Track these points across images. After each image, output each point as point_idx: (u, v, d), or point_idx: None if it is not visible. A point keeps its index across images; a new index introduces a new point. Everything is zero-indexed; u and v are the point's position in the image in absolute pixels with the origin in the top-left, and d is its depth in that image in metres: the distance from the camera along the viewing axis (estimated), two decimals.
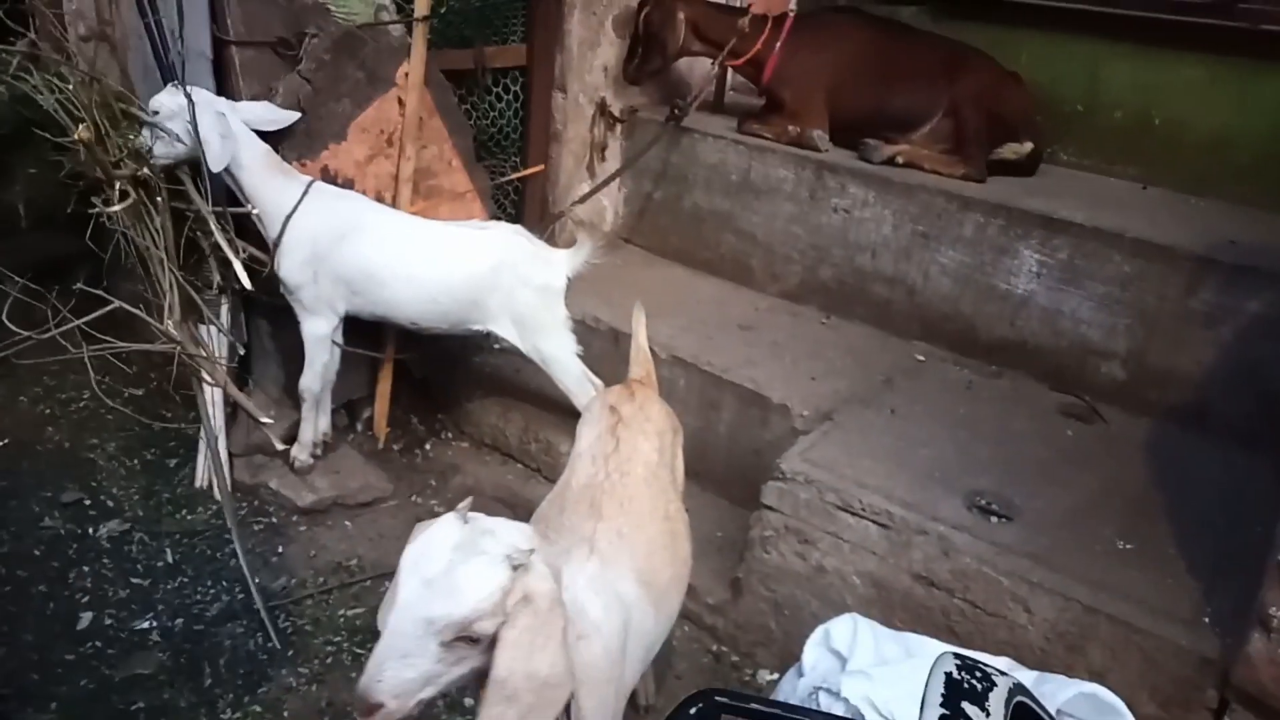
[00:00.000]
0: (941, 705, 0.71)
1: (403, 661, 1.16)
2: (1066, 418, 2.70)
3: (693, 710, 0.87)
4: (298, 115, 2.60)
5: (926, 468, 2.38)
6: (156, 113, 2.42)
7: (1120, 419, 2.69)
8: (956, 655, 0.77)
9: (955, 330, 3.03)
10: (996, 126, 3.18)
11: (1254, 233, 2.77)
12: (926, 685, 0.74)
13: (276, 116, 2.55)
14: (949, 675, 0.74)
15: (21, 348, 2.34)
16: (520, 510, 2.88)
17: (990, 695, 0.73)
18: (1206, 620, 1.93)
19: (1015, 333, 2.92)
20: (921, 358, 3.03)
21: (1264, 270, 2.53)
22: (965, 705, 0.71)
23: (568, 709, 1.29)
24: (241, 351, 2.79)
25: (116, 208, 2.46)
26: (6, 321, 2.33)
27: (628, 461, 1.75)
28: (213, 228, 2.49)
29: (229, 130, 2.42)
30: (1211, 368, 2.60)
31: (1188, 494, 2.34)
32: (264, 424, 2.66)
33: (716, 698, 0.89)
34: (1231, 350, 2.56)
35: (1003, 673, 0.78)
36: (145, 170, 2.49)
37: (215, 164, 2.41)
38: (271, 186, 2.52)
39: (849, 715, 1.71)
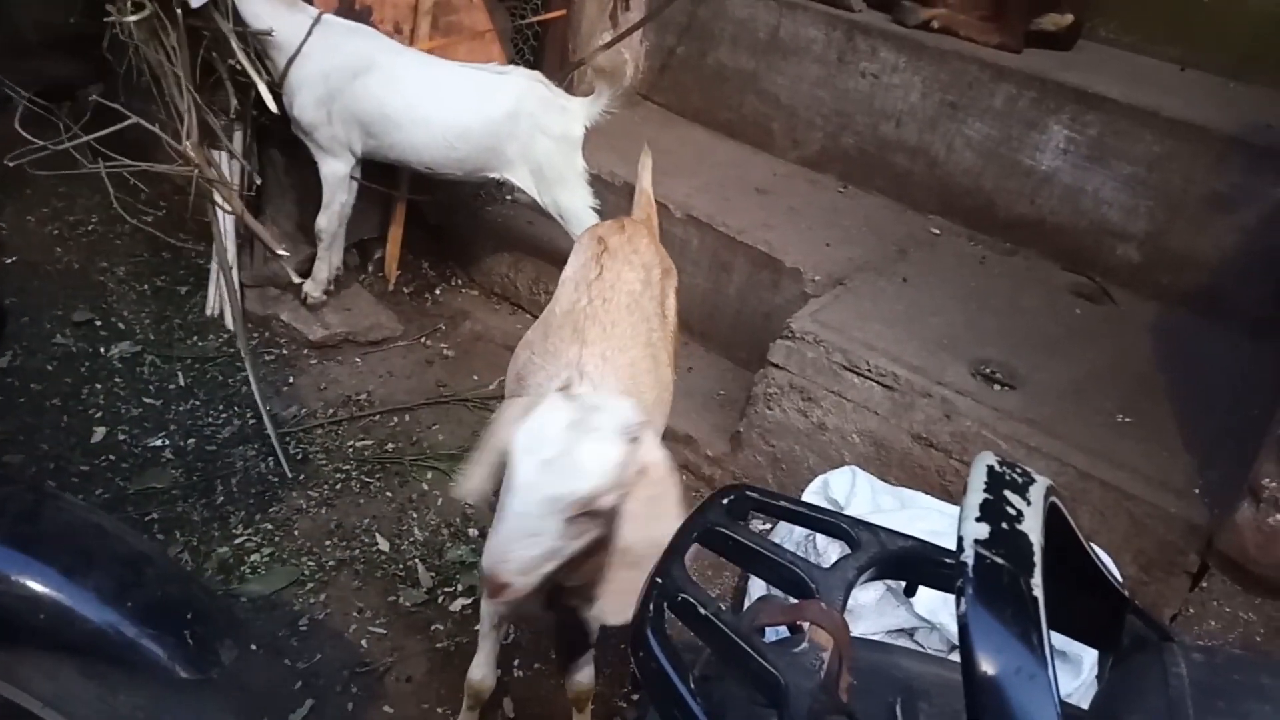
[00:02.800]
0: (985, 490, 0.72)
1: (528, 540, 1.18)
2: (1077, 297, 2.71)
3: (725, 500, 0.90)
4: None
5: (935, 335, 2.40)
6: None
7: (1131, 301, 2.70)
8: (996, 455, 0.79)
9: (974, 205, 3.00)
10: None
11: None
12: (970, 475, 0.75)
13: None
14: (991, 468, 0.75)
15: (35, 158, 2.29)
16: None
17: (1030, 488, 0.75)
18: (1197, 491, 1.99)
19: (1034, 210, 2.89)
20: (937, 231, 3.01)
21: None
22: (1007, 493, 0.72)
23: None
24: (258, 181, 2.74)
25: (132, 18, 2.36)
26: (19, 129, 2.28)
27: (610, 288, 1.76)
28: (234, 47, 2.40)
29: None
30: (1230, 254, 2.58)
31: (1191, 375, 2.37)
32: (279, 256, 2.64)
33: (747, 492, 0.91)
34: (1253, 237, 2.54)
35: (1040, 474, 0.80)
36: None
37: None
38: (276, 18, 2.42)
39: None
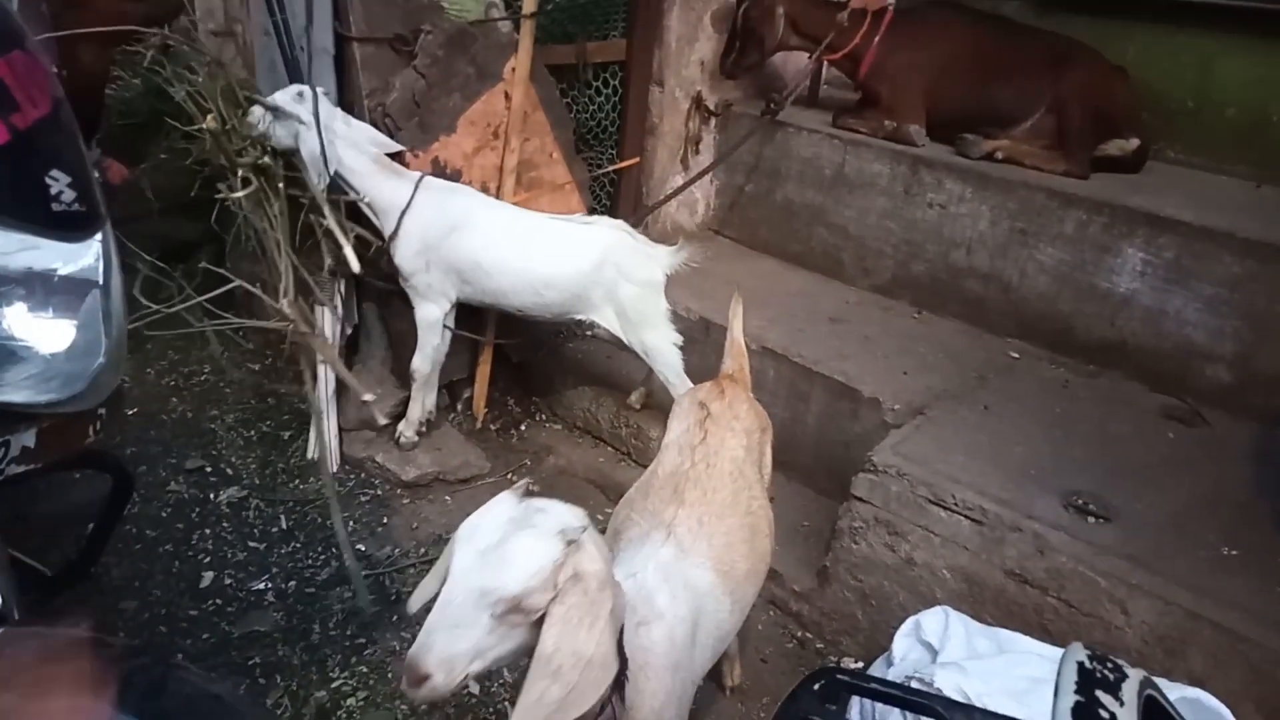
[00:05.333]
0: (1076, 692, 0.72)
1: (453, 632, 1.18)
2: (1168, 420, 2.64)
3: (815, 686, 0.91)
4: (400, 148, 2.73)
5: (1021, 465, 2.37)
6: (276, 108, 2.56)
7: (1224, 423, 2.63)
8: (1086, 646, 0.79)
9: (1052, 329, 2.99)
10: (1101, 123, 3.11)
11: None
12: (1059, 672, 0.75)
13: (381, 141, 2.67)
14: (1081, 665, 0.76)
15: (151, 319, 2.50)
16: (610, 492, 2.97)
17: (1123, 686, 0.74)
18: None
19: (1115, 333, 2.87)
20: (1016, 355, 3.00)
21: None
22: (1099, 694, 0.72)
23: (621, 689, 1.32)
24: (349, 331, 2.92)
25: (240, 194, 2.61)
26: (138, 296, 2.50)
27: (714, 454, 1.79)
28: (325, 213, 2.62)
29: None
30: None
31: None
32: (366, 401, 2.79)
33: (838, 675, 0.93)
34: None
35: (1133, 666, 0.80)
36: (266, 158, 2.63)
37: (329, 169, 2.55)
38: (384, 186, 2.65)
39: None
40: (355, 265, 2.67)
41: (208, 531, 2.71)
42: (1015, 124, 3.18)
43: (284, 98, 2.54)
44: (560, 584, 1.21)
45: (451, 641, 1.18)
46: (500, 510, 1.26)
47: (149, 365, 3.44)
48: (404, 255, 2.68)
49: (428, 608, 1.26)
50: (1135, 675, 0.76)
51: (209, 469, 2.95)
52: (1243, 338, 2.64)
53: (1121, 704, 0.70)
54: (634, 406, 3.12)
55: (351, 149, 2.59)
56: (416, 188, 2.63)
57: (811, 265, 3.57)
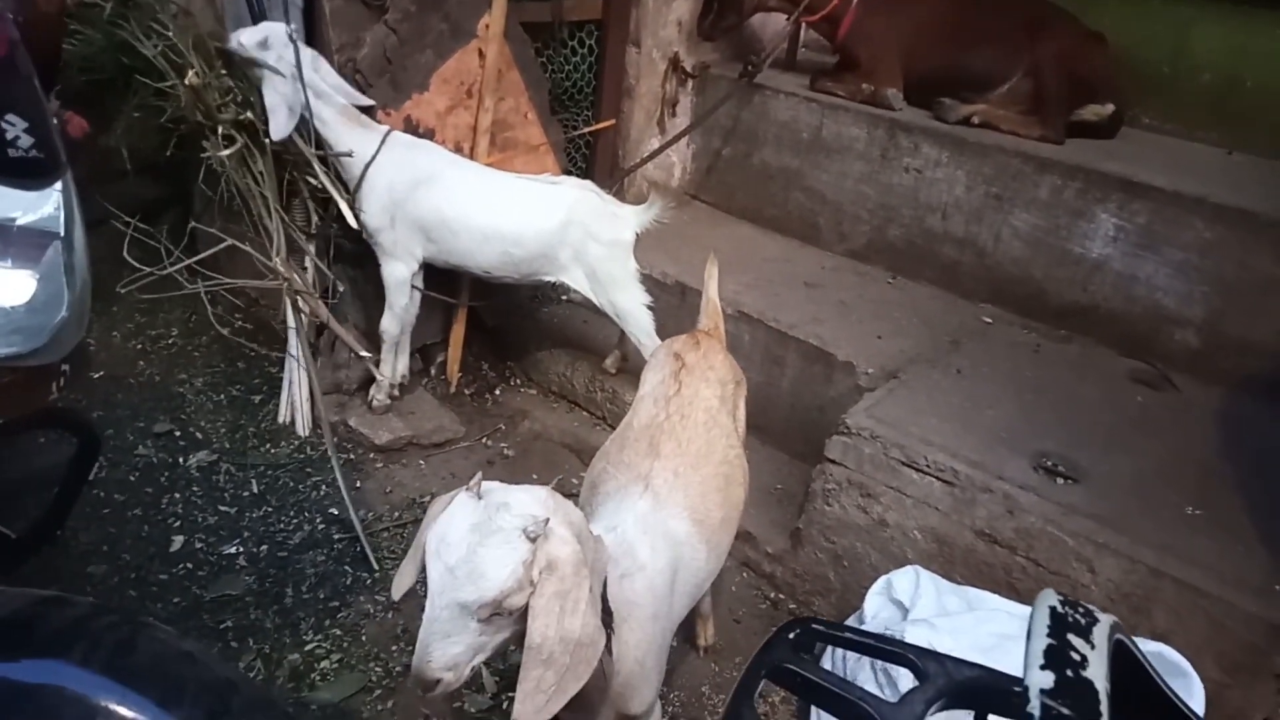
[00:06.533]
0: (1049, 635, 0.73)
1: (447, 640, 1.20)
2: (1136, 384, 2.68)
3: (791, 635, 0.92)
4: (370, 103, 2.68)
5: (992, 428, 2.39)
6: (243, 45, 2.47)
7: (1192, 387, 2.66)
8: (1059, 593, 0.80)
9: (1025, 294, 3.01)
10: (1077, 87, 3.11)
11: None
12: (1032, 617, 0.76)
13: (349, 93, 2.62)
14: (1053, 609, 0.76)
15: (142, 282, 2.45)
16: (586, 456, 2.97)
17: (1094, 630, 0.75)
18: (1278, 589, 1.93)
19: (1087, 297, 2.89)
20: (989, 320, 3.02)
21: None
22: (1071, 637, 0.72)
23: (608, 641, 1.33)
24: (341, 289, 2.87)
25: (226, 152, 2.55)
26: (128, 258, 2.45)
27: (689, 405, 1.80)
28: (317, 170, 2.57)
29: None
30: None
31: (1261, 465, 2.31)
32: (364, 356, 2.75)
33: (813, 625, 0.93)
34: None
35: (1103, 612, 0.80)
36: (248, 113, 2.57)
37: (311, 117, 2.50)
38: (350, 138, 2.60)
39: None
40: (353, 221, 2.63)
41: (177, 496, 2.68)
42: (992, 88, 3.18)
43: (250, 39, 2.47)
44: (536, 578, 1.22)
45: (447, 648, 1.20)
46: (461, 518, 1.23)
47: (115, 328, 3.38)
48: (369, 211, 2.64)
49: (418, 605, 1.28)
50: (1106, 620, 0.76)
51: (178, 433, 2.92)
52: (1211, 303, 2.67)
53: (1092, 647, 0.71)
54: (609, 371, 3.12)
55: (319, 98, 2.54)
56: (383, 142, 2.59)
57: (788, 230, 3.56)
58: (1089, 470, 2.26)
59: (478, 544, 1.20)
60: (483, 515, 1.22)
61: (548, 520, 1.24)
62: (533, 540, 1.22)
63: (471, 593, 1.19)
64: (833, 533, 2.45)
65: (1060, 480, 2.23)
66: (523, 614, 1.23)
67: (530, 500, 1.27)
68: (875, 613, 2.04)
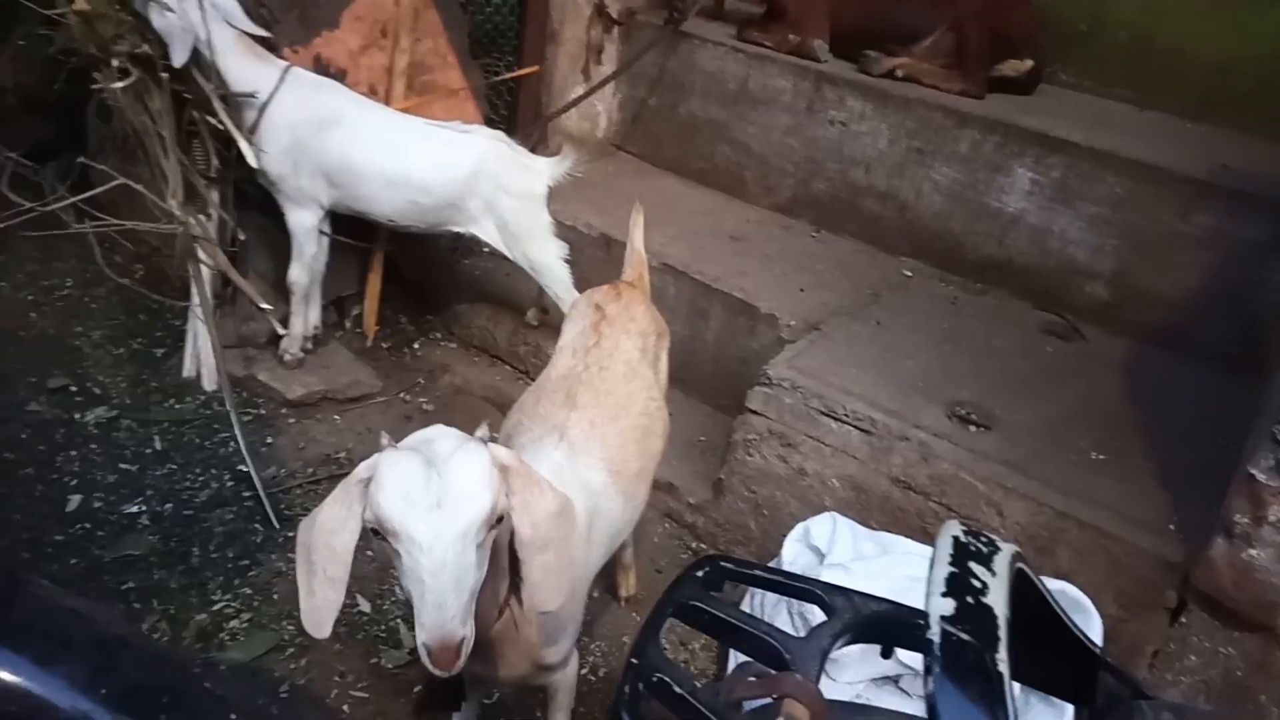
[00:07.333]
0: (951, 564, 0.73)
1: (458, 587, 1.14)
2: (1048, 335, 2.75)
3: (699, 573, 0.91)
4: (267, 34, 2.54)
5: (910, 378, 2.43)
6: None
7: (1101, 338, 2.74)
8: (962, 523, 0.80)
9: (944, 247, 3.05)
10: (998, 43, 3.14)
11: (1249, 159, 2.78)
12: (936, 546, 0.76)
13: (246, 22, 2.47)
14: (956, 539, 0.77)
15: (24, 218, 2.29)
16: (509, 410, 2.91)
17: (995, 558, 0.76)
18: (1172, 528, 2.01)
19: (1003, 251, 2.94)
20: (909, 273, 3.05)
21: (1256, 196, 2.55)
22: (973, 565, 0.73)
23: (518, 591, 1.32)
24: (242, 237, 2.73)
25: (119, 84, 2.38)
26: (6, 191, 2.28)
27: (608, 357, 1.78)
28: (217, 107, 2.42)
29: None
30: (1195, 291, 2.64)
31: (1163, 411, 2.40)
32: (264, 309, 2.64)
33: (722, 563, 0.92)
34: (1216, 275, 2.60)
35: (1005, 540, 0.81)
36: (145, 46, 2.40)
37: (210, 46, 2.35)
38: (247, 71, 2.46)
39: None
40: (254, 161, 2.49)
41: (74, 454, 2.54)
42: (915, 41, 3.18)
43: None
44: (506, 479, 1.22)
45: (461, 596, 1.14)
46: (408, 467, 1.17)
47: (4, 278, 3.17)
48: (270, 155, 2.51)
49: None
50: (1007, 549, 0.77)
51: (74, 388, 2.76)
52: (1121, 256, 2.74)
53: (993, 574, 0.72)
54: (531, 324, 3.06)
55: (215, 21, 2.39)
56: (283, 78, 2.46)
57: (714, 183, 3.53)
58: (1001, 418, 2.31)
59: (445, 472, 1.16)
60: (424, 455, 1.18)
61: (476, 433, 1.25)
62: (485, 444, 1.22)
63: (471, 511, 1.15)
64: (753, 482, 2.47)
65: (973, 428, 2.27)
66: (503, 521, 1.22)
67: (440, 430, 1.26)
68: (793, 559, 2.06)
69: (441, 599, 1.13)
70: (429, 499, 1.15)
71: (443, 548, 1.13)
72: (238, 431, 2.48)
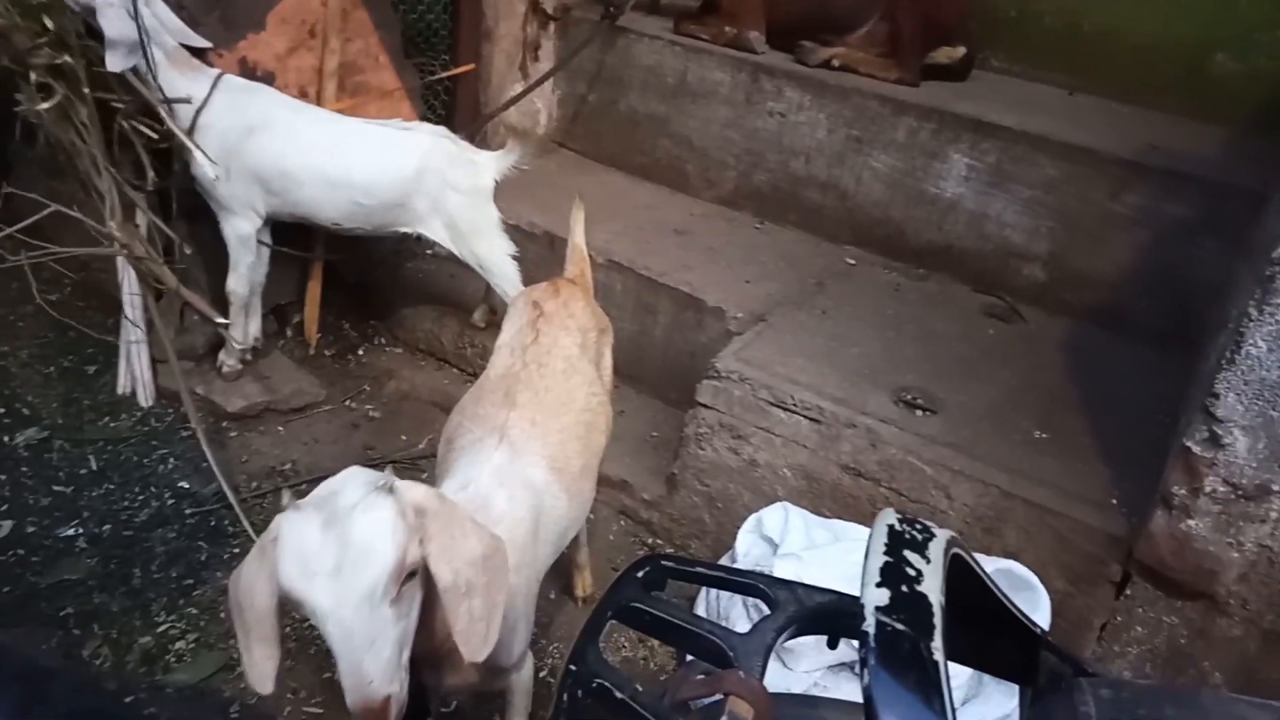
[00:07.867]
0: (885, 553, 0.73)
1: (373, 649, 1.09)
2: (988, 318, 2.79)
3: (640, 574, 0.89)
4: (206, 43, 2.48)
5: (856, 365, 2.45)
6: None
7: (1040, 319, 2.80)
8: (898, 511, 0.80)
9: (885, 234, 3.08)
10: (931, 31, 3.18)
11: (1176, 139, 2.85)
12: (871, 536, 0.76)
13: (182, 31, 2.41)
14: (891, 527, 0.77)
15: None
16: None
17: (930, 545, 0.76)
18: (1114, 503, 2.05)
19: (942, 236, 2.98)
20: (852, 261, 3.08)
21: (1184, 175, 2.61)
22: (907, 553, 0.73)
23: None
24: (189, 251, 2.64)
25: (44, 105, 2.29)
26: None
27: (546, 354, 1.76)
28: (163, 114, 2.34)
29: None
30: (1129, 270, 2.70)
31: (1102, 389, 2.45)
32: (219, 323, 2.57)
33: (662, 562, 0.91)
34: (1149, 254, 2.66)
35: (940, 527, 0.81)
36: (65, 57, 2.31)
37: (148, 52, 2.28)
38: (180, 82, 2.39)
39: None
40: (210, 170, 2.40)
41: (4, 478, 2.45)
42: (850, 31, 3.21)
43: None
44: (414, 525, 1.14)
45: (378, 657, 1.09)
46: (306, 529, 1.11)
47: None
48: (202, 163, 2.44)
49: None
50: (942, 535, 0.77)
51: (2, 410, 2.66)
52: (1056, 237, 2.80)
53: (928, 561, 0.72)
54: (478, 325, 3.03)
55: (159, 42, 2.32)
56: (214, 86, 2.39)
57: (656, 177, 3.52)
58: (946, 401, 2.34)
59: (344, 531, 1.09)
60: (324, 514, 1.11)
61: (382, 479, 1.17)
62: (390, 492, 1.14)
63: (373, 572, 1.08)
64: (706, 475, 2.47)
65: (919, 412, 2.30)
66: (422, 572, 1.16)
67: (350, 476, 1.17)
68: (746, 550, 2.06)
69: (354, 665, 1.08)
70: (326, 565, 1.08)
71: (347, 614, 1.07)
72: (204, 441, 2.39)
